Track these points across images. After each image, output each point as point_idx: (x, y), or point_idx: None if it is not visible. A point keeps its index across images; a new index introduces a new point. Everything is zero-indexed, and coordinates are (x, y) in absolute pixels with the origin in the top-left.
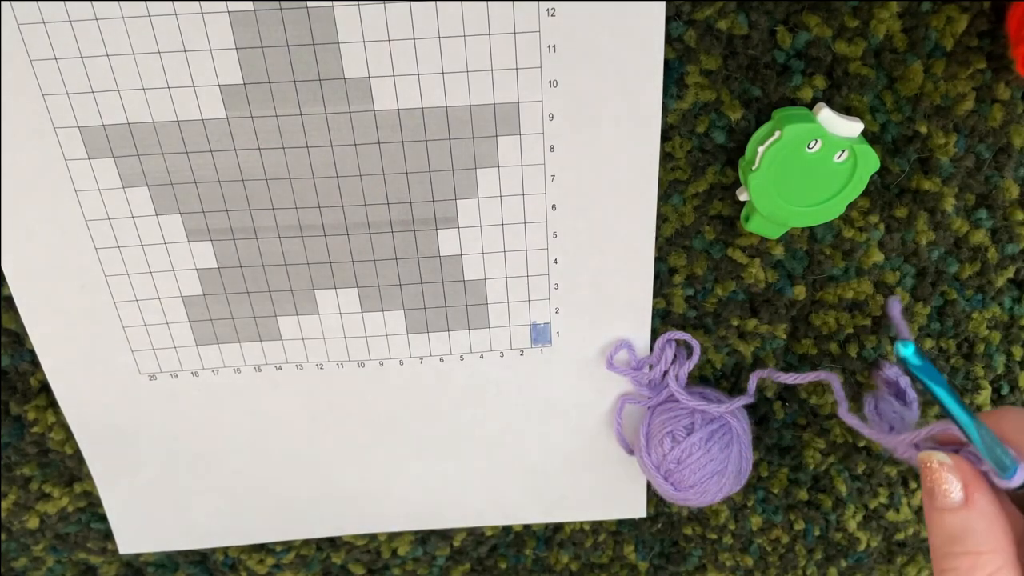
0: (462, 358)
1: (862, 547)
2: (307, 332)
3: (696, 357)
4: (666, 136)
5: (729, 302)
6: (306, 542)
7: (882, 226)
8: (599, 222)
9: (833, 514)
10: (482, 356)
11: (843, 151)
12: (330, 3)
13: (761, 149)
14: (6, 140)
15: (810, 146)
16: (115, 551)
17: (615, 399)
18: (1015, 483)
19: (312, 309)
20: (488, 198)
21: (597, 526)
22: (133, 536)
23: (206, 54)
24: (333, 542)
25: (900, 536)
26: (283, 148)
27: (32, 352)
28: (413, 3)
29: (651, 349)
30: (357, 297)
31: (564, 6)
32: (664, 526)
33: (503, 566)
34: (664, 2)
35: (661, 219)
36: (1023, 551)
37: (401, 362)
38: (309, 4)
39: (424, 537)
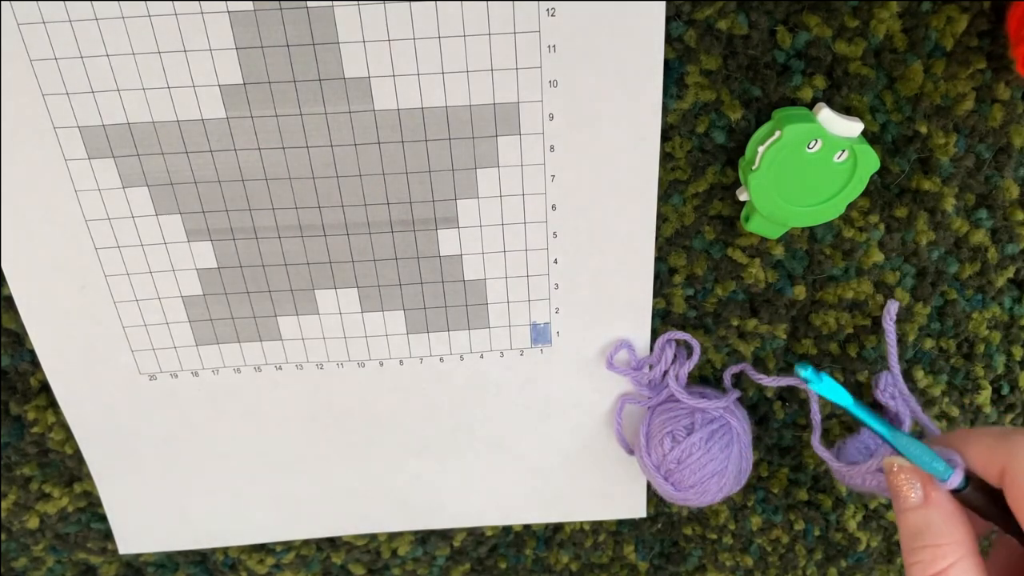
0: (462, 358)
1: (862, 547)
2: (307, 332)
3: (696, 357)
4: (666, 136)
5: (729, 302)
6: (306, 542)
7: (882, 226)
8: (599, 222)
9: (833, 514)
10: (482, 356)
11: (843, 151)
12: (330, 3)
13: (761, 149)
14: (6, 140)
15: (810, 146)
16: (115, 551)
17: (615, 399)
18: (952, 484)
19: (312, 309)
20: (488, 198)
21: (597, 526)
22: (133, 536)
23: (206, 54)
24: (333, 542)
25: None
26: (283, 148)
27: (32, 352)
28: (413, 3)
29: (651, 349)
30: (357, 297)
31: (564, 6)
32: (664, 526)
33: (503, 566)
34: (664, 2)
35: (661, 219)
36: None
37: (401, 362)
38: (309, 4)
39: (424, 537)
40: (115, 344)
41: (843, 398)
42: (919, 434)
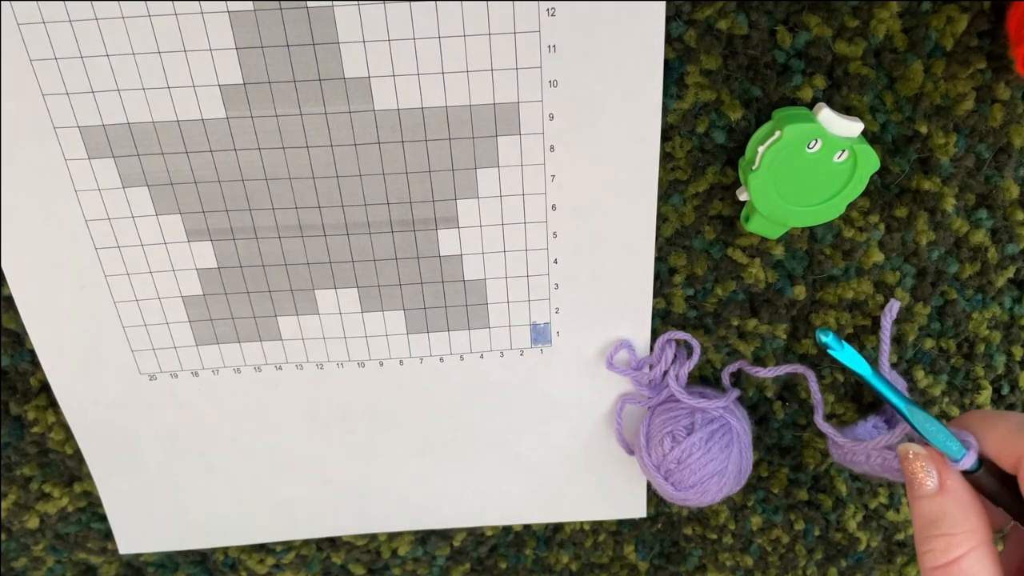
0: (462, 358)
1: (862, 547)
2: (307, 332)
3: (696, 357)
4: (666, 136)
5: (729, 302)
6: (306, 542)
7: (882, 226)
8: (599, 222)
9: (833, 514)
10: (482, 356)
11: (843, 151)
12: (330, 3)
13: (761, 149)
14: (6, 140)
15: (810, 146)
16: (115, 551)
17: (615, 399)
18: (965, 465)
19: (312, 309)
20: (488, 198)
21: (597, 526)
22: (133, 536)
23: (206, 54)
24: (333, 542)
25: (900, 536)
26: (283, 148)
27: (32, 352)
28: (413, 3)
29: (651, 349)
30: (357, 297)
31: (564, 6)
32: (664, 526)
33: (503, 566)
34: (664, 2)
35: (661, 219)
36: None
37: (401, 362)
38: (309, 4)
39: (424, 537)
40: (115, 344)
41: (862, 367)
42: (939, 416)
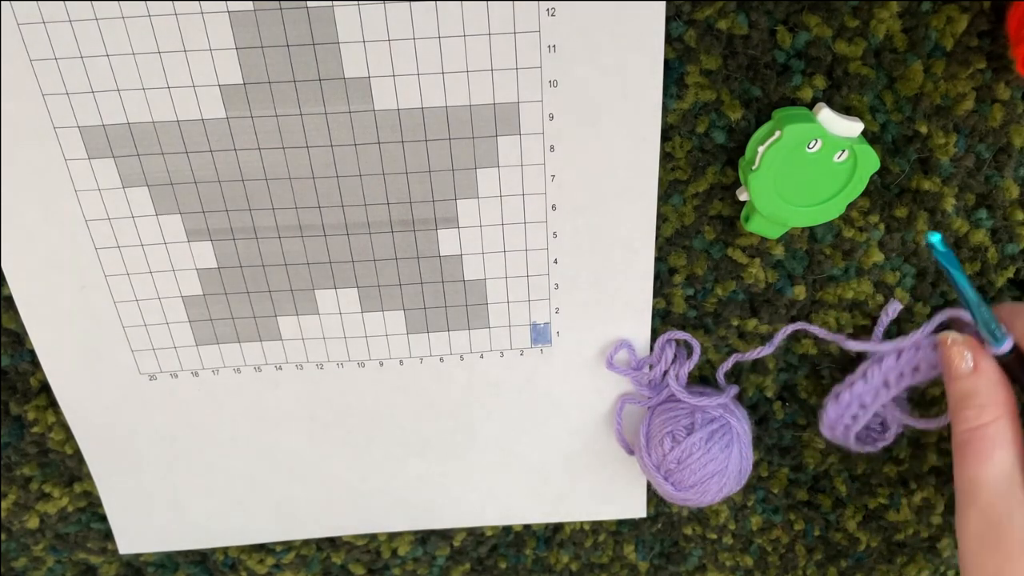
0: (462, 358)
1: (862, 547)
2: (307, 332)
3: (696, 357)
4: (666, 136)
5: (729, 302)
6: (306, 542)
7: (882, 226)
8: (599, 222)
9: (833, 514)
10: (482, 356)
11: (843, 151)
12: (330, 3)
13: (761, 149)
14: (6, 140)
15: (810, 146)
16: (115, 551)
17: (615, 399)
18: (1003, 350)
19: (312, 309)
20: (488, 198)
21: (597, 526)
22: (133, 536)
23: (206, 54)
24: (333, 542)
25: (900, 536)
26: (283, 148)
27: (32, 352)
28: (413, 3)
29: (651, 349)
30: (357, 297)
31: (564, 6)
32: (664, 526)
33: (503, 566)
34: (664, 2)
35: (661, 219)
36: None
37: (401, 362)
38: (309, 4)
39: (424, 537)
40: (115, 344)
41: (957, 268)
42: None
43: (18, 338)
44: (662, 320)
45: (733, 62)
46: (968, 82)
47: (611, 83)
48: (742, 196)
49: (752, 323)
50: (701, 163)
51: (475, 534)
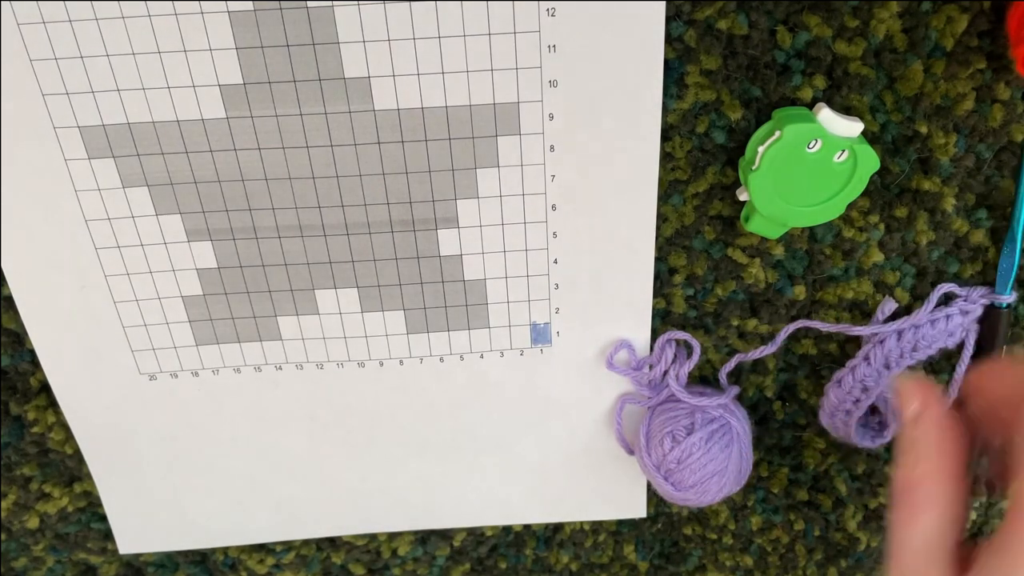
0: (462, 358)
1: (862, 547)
2: (307, 332)
3: (696, 357)
4: (666, 136)
5: (729, 302)
6: (306, 542)
7: (882, 226)
8: (599, 222)
9: (833, 514)
10: (482, 356)
11: (843, 151)
12: (330, 3)
13: (761, 149)
14: (6, 140)
15: (810, 146)
16: (115, 551)
17: (615, 399)
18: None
19: (312, 309)
20: (488, 198)
21: (597, 526)
22: (133, 536)
23: (206, 54)
24: (333, 542)
25: None
26: (283, 148)
27: (32, 352)
28: (413, 3)
29: (651, 349)
30: (357, 297)
31: (564, 6)
32: (664, 526)
33: (503, 566)
34: (664, 2)
35: (661, 219)
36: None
37: (401, 362)
38: (309, 4)
39: (424, 537)
40: (115, 344)
41: None
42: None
43: (18, 338)
44: (662, 320)
45: (733, 62)
46: (968, 82)
47: (611, 83)
48: (742, 196)
49: (752, 323)
50: (701, 163)
51: (475, 534)
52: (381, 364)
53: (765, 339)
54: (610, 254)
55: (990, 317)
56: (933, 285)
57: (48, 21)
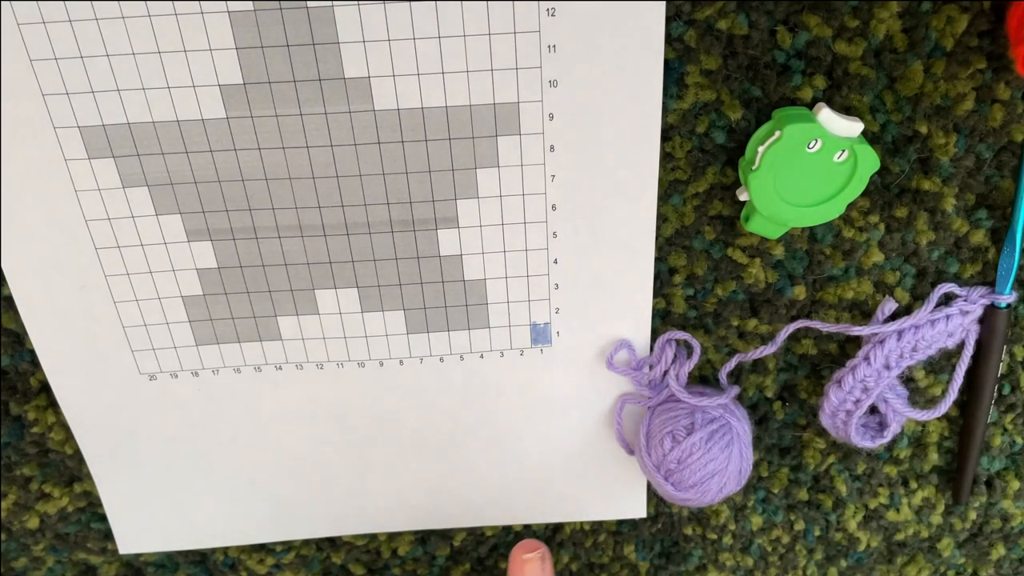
0: (462, 358)
1: (862, 547)
2: (307, 332)
3: (696, 357)
4: (666, 136)
5: (729, 302)
6: (306, 542)
7: (882, 226)
8: (599, 222)
9: (833, 514)
10: (482, 356)
11: (843, 151)
12: (330, 3)
13: (761, 149)
14: (6, 140)
15: (810, 146)
16: (115, 551)
17: (615, 399)
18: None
19: (312, 309)
20: (488, 198)
21: (597, 526)
22: (133, 536)
23: (206, 54)
24: (333, 542)
25: (900, 536)
26: (283, 148)
27: (32, 352)
28: (413, 3)
29: (651, 349)
30: (357, 297)
31: (564, 6)
32: (664, 526)
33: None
34: (664, 2)
35: (661, 219)
36: None
37: (401, 362)
38: (309, 4)
39: (424, 537)
40: (115, 344)
41: None
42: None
43: (18, 338)
44: (662, 320)
45: (733, 62)
46: (968, 82)
47: (611, 83)
48: (742, 196)
49: (752, 323)
50: (701, 163)
51: (475, 534)
52: (381, 364)
53: (765, 339)
54: (610, 254)
55: (990, 317)
56: (933, 285)
57: (48, 21)
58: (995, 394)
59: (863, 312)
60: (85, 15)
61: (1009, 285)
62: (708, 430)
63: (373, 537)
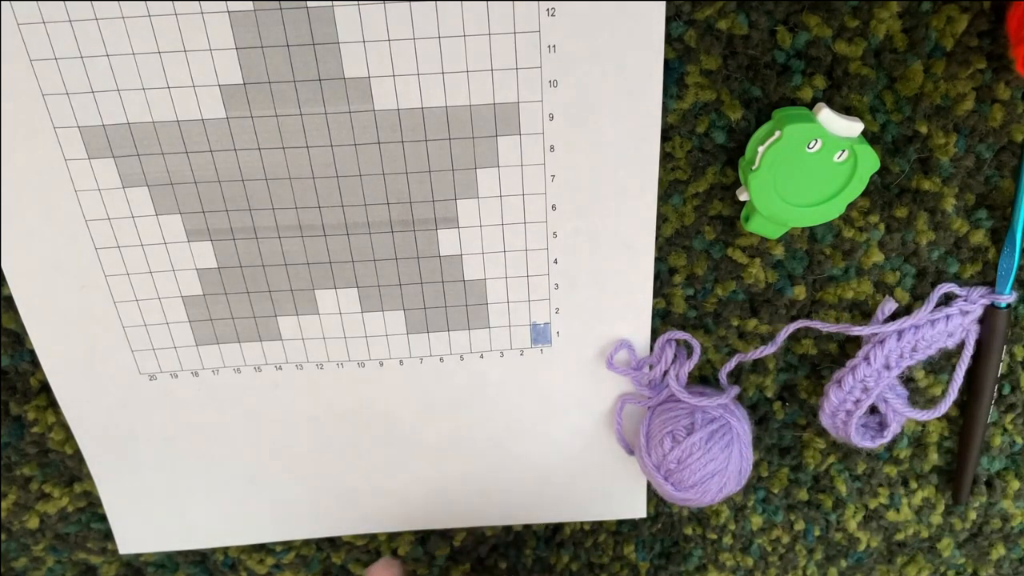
0: (462, 358)
1: (862, 547)
2: (307, 332)
3: (696, 357)
4: (666, 136)
5: (729, 302)
6: (306, 542)
7: (882, 226)
8: (599, 222)
9: (833, 514)
10: (482, 356)
11: (843, 151)
12: (330, 3)
13: (761, 149)
14: (6, 140)
15: (810, 146)
16: (115, 551)
17: (615, 399)
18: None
19: (312, 309)
20: (488, 198)
21: (597, 526)
22: (133, 536)
23: (206, 54)
24: (333, 542)
25: (900, 536)
26: (283, 148)
27: (32, 352)
28: (413, 3)
29: (651, 349)
30: (357, 297)
31: (564, 6)
32: (664, 526)
33: (503, 566)
34: (664, 2)
35: (661, 219)
36: None
37: (401, 362)
38: (309, 4)
39: (424, 537)
40: (115, 344)
41: None
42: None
43: (18, 338)
44: (662, 320)
45: (733, 62)
46: (968, 82)
47: (611, 83)
48: (742, 196)
49: (752, 323)
50: (701, 163)
51: (475, 534)
52: (381, 364)
53: (765, 339)
54: (610, 254)
55: (990, 317)
56: (933, 285)
57: (48, 21)
58: (995, 394)
59: (863, 312)
60: (85, 15)
61: (1009, 285)
62: (708, 430)
63: (373, 537)
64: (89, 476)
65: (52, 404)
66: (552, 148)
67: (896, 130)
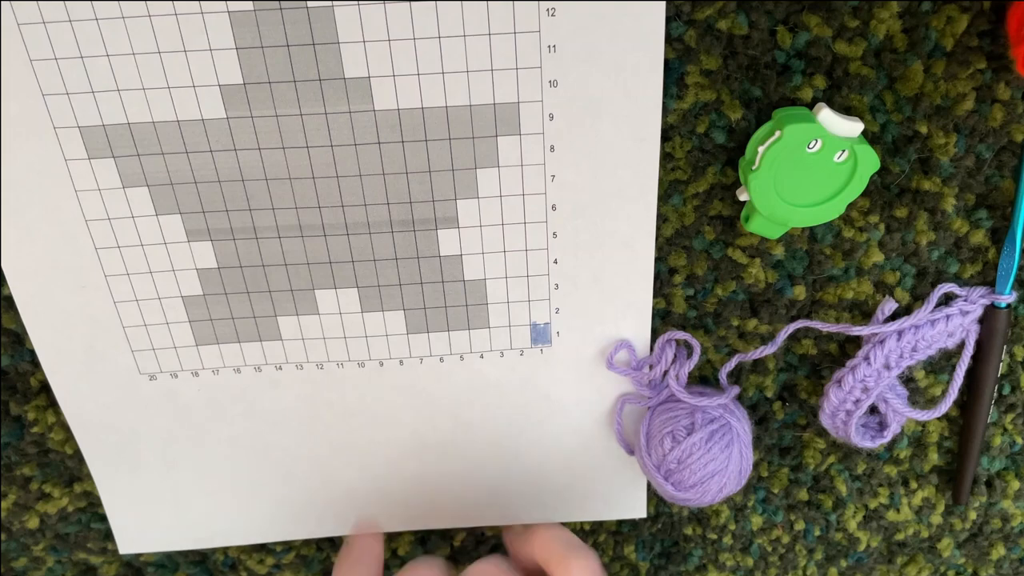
0: (462, 358)
1: (862, 547)
2: (307, 332)
3: (696, 357)
4: (666, 136)
5: (729, 302)
6: (306, 542)
7: (882, 226)
8: (599, 222)
9: (833, 514)
10: (482, 356)
11: (843, 151)
12: (330, 3)
13: (761, 149)
14: (6, 140)
15: (810, 146)
16: (115, 551)
17: (615, 399)
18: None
19: (312, 309)
20: (488, 198)
21: (597, 526)
22: (133, 536)
23: (206, 54)
24: (333, 542)
25: (900, 536)
26: (283, 148)
27: (32, 352)
28: (413, 3)
29: (651, 349)
30: (357, 297)
31: (564, 6)
32: (664, 526)
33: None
34: (664, 2)
35: (661, 219)
36: None
37: (401, 362)
38: (309, 4)
39: (424, 537)
40: (115, 344)
41: None
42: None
43: (18, 338)
44: (662, 320)
45: (733, 62)
46: (968, 82)
47: (611, 83)
48: (742, 196)
49: (752, 323)
50: (701, 163)
51: (475, 534)
52: (381, 364)
53: (765, 339)
54: (610, 254)
55: (990, 317)
56: (933, 285)
57: (48, 21)
58: (995, 394)
59: (863, 312)
60: (85, 15)
61: (1009, 285)
62: (708, 430)
63: None
64: (89, 476)
65: (52, 404)
66: (552, 148)
67: (896, 130)
